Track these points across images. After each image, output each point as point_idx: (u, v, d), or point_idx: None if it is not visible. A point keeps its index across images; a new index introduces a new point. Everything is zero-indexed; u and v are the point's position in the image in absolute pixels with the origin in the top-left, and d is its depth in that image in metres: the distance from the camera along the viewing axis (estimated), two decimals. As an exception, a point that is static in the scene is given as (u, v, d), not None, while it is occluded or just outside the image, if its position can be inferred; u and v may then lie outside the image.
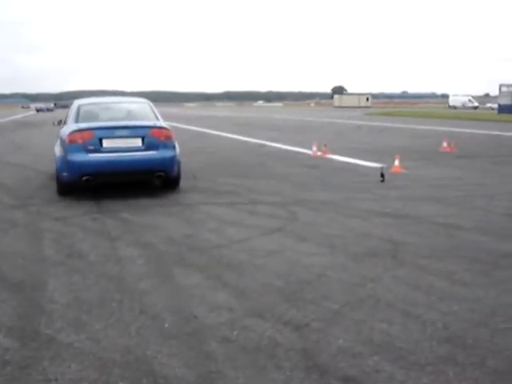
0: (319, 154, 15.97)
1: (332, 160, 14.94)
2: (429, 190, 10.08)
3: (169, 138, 9.58)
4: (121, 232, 7.21)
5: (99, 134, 9.21)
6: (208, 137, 25.37)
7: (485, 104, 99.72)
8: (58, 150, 9.64)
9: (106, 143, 9.19)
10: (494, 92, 72.77)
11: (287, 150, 17.97)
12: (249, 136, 24.29)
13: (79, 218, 8.11)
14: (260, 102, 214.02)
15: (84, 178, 9.16)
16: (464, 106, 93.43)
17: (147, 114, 10.29)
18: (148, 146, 9.33)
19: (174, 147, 9.66)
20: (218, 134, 26.91)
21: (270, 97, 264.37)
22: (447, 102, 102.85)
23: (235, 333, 4.08)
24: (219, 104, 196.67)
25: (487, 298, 4.66)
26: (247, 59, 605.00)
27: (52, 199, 9.53)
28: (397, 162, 12.51)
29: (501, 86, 67.10)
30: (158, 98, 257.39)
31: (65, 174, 9.32)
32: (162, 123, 9.86)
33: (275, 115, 60.01)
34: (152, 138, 9.38)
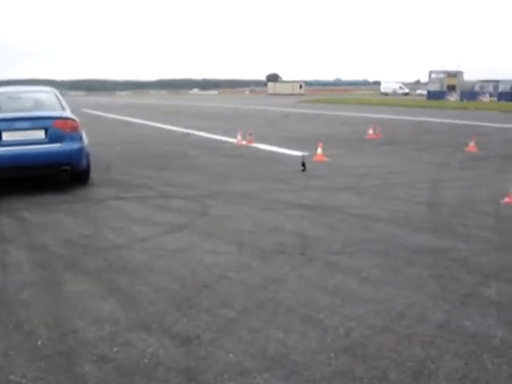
0: (244, 142, 15.60)
1: (256, 149, 14.58)
2: (348, 179, 9.86)
3: (75, 129, 8.95)
4: (15, 233, 6.62)
5: None
6: (134, 126, 24.58)
7: (415, 90, 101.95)
8: None
9: (5, 136, 8.49)
10: (425, 79, 74.32)
11: (212, 140, 17.52)
12: (176, 125, 23.67)
13: (-28, 217, 7.44)
14: (195, 90, 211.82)
15: (-17, 174, 8.46)
16: (395, 93, 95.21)
17: (52, 104, 9.61)
18: (52, 139, 8.69)
19: (80, 139, 9.04)
20: (145, 123, 26.14)
21: (205, 84, 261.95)
22: (379, 89, 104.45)
23: (115, 350, 3.64)
24: (153, 92, 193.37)
25: (396, 298, 4.38)
26: (182, 46, 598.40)
27: None
28: (319, 151, 12.27)
29: (430, 72, 68.62)
30: (90, 86, 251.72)
31: None
32: (67, 113, 9.21)
33: (208, 103, 59.31)
34: (56, 129, 8.73)
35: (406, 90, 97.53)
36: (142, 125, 25.21)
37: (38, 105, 9.68)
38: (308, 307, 4.22)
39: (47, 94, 10.18)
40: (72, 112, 9.90)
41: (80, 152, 8.94)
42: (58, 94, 10.17)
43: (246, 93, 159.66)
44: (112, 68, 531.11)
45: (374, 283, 4.71)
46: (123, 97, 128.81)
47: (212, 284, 4.75)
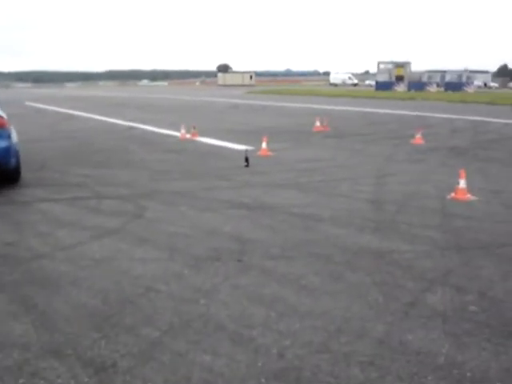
0: (188, 136, 15.15)
1: (200, 143, 14.17)
2: (292, 174, 9.55)
3: (2, 126, 8.37)
4: None
5: None
6: (76, 120, 23.76)
7: (364, 81, 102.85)
8: None
9: None
10: (374, 69, 74.95)
11: (156, 133, 17.00)
12: (120, 118, 22.99)
13: None
14: (145, 81, 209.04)
15: None
16: (344, 84, 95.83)
17: None
18: None
19: (8, 136, 8.46)
20: (88, 116, 25.33)
21: (154, 75, 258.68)
22: (329, 80, 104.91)
23: (21, 381, 3.21)
24: (102, 83, 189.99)
25: (335, 309, 4.07)
26: (131, 36, 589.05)
27: None
28: (264, 145, 11.94)
29: (379, 63, 69.21)
30: (38, 78, 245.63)
31: None
32: (-6, 110, 8.60)
33: (156, 95, 58.35)
34: None
35: (355, 81, 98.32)
36: (85, 118, 24.41)
37: None
38: (240, 323, 3.87)
39: None
40: (1, 108, 9.32)
41: (7, 150, 8.37)
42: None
43: (197, 84, 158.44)
44: (60, 59, 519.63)
45: (313, 292, 4.39)
46: (71, 89, 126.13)
47: (137, 298, 4.34)
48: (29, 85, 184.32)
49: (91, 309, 4.17)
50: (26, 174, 9.65)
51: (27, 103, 42.09)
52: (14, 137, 8.93)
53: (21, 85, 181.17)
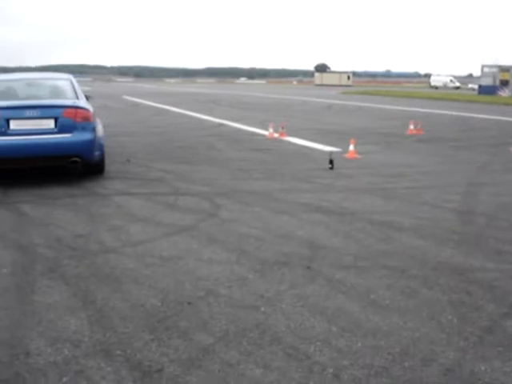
0: (276, 135, 14.98)
1: (287, 143, 13.96)
2: (378, 179, 9.16)
3: (87, 119, 8.51)
4: (7, 229, 6.22)
5: (6, 114, 8.13)
6: (167, 114, 24.21)
7: (467, 84, 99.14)
8: None
9: (13, 125, 8.13)
10: (478, 73, 71.95)
11: (244, 131, 16.95)
12: (211, 115, 23.19)
13: (-28, 209, 7.10)
14: (243, 79, 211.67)
15: (-12, 163, 8.13)
16: (445, 86, 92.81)
17: (66, 93, 9.21)
18: (61, 129, 8.28)
19: (93, 129, 8.60)
20: (181, 112, 25.74)
21: (253, 74, 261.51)
22: (429, 82, 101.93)
23: (64, 380, 3.14)
24: (200, 80, 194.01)
25: (403, 329, 3.75)
26: (230, 35, 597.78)
27: (-43, 185, 8.50)
28: (351, 147, 11.56)
29: (483, 66, 66.37)
30: (139, 72, 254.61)
31: None
32: (80, 103, 8.77)
33: (252, 93, 58.71)
34: (66, 119, 8.32)
35: (457, 84, 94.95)
36: (177, 114, 24.81)
37: (51, 93, 9.30)
38: (298, 337, 3.63)
39: (62, 82, 9.78)
40: (87, 100, 9.54)
41: (91, 143, 8.50)
42: (75, 81, 9.75)
43: (294, 83, 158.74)
44: (162, 55, 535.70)
45: (381, 309, 4.08)
46: (170, 84, 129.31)
47: (197, 301, 4.20)
48: (130, 79, 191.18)
49: (149, 309, 4.07)
50: (110, 166, 9.83)
51: (125, 97, 43.47)
52: (100, 130, 9.08)
53: (122, 79, 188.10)
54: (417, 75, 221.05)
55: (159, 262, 5.06)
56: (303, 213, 6.91)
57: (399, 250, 5.44)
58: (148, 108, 29.11)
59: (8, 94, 9.07)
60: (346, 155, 11.49)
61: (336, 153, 11.59)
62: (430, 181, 9.07)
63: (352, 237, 5.90)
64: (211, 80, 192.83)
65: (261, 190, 8.17)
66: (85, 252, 5.38)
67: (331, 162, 10.03)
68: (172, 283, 4.55)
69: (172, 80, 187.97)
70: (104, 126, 16.34)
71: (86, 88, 72.67)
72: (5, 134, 8.08)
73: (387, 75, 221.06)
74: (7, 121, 8.10)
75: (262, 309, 4.06)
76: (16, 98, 8.94)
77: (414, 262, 5.08)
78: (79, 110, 8.47)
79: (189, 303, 4.15)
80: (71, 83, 9.54)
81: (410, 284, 4.56)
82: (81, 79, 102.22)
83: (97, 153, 8.74)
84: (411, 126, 16.66)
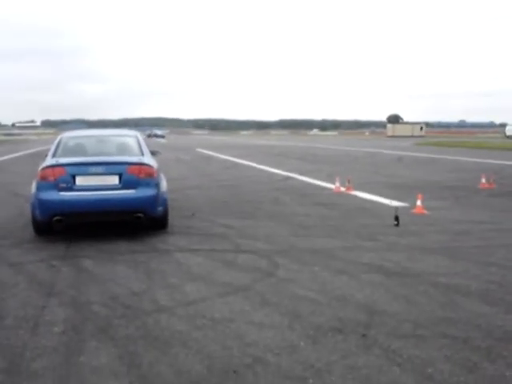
0: (342, 189, 14.79)
1: (353, 198, 13.73)
2: (445, 237, 8.79)
3: (150, 175, 8.66)
4: (66, 285, 6.31)
5: (72, 170, 8.40)
6: (237, 167, 24.46)
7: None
8: (33, 187, 8.86)
9: (79, 181, 8.36)
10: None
11: (311, 185, 16.84)
12: (280, 167, 23.24)
13: (36, 264, 7.30)
14: (315, 131, 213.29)
15: (55, 218, 8.35)
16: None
17: (131, 149, 9.45)
18: (125, 184, 8.45)
19: (156, 185, 8.73)
20: (250, 164, 25.96)
21: (325, 125, 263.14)
22: (504, 132, 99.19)
23: None
24: (274, 132, 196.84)
25: (460, 409, 3.47)
26: (303, 87, 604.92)
27: (26, 239, 8.81)
28: (419, 202, 11.23)
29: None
30: (214, 125, 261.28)
31: (37, 212, 8.54)
32: (144, 159, 8.96)
33: (322, 144, 58.79)
34: (130, 175, 8.49)
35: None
36: (246, 166, 25.03)
37: (117, 149, 9.56)
38: (345, 415, 3.41)
39: (128, 139, 10.06)
40: (153, 156, 9.74)
41: (154, 199, 8.62)
42: (141, 138, 10.01)
43: (366, 134, 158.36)
44: (236, 108, 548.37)
45: (439, 385, 3.80)
46: (243, 136, 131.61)
47: (242, 369, 4.06)
48: (205, 132, 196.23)
49: (194, 376, 3.97)
50: (174, 221, 9.90)
51: (198, 149, 44.39)
52: (163, 185, 9.21)
53: (198, 131, 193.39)
54: (492, 125, 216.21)
55: (210, 325, 4.96)
56: (363, 273, 6.68)
57: (463, 318, 5.12)
58: (219, 161, 29.55)
59: (76, 150, 9.39)
60: (413, 211, 11.17)
61: (403, 208, 11.29)
62: (501, 239, 8.63)
63: (413, 301, 5.62)
64: (284, 132, 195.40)
65: (321, 248, 8.00)
66: (137, 311, 5.36)
67: (397, 218, 9.76)
68: (220, 348, 4.43)
69: (245, 132, 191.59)
70: (174, 179, 16.79)
71: (162, 141, 75.04)
72: (71, 189, 8.32)
73: (461, 125, 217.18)
74: (73, 177, 8.35)
75: (311, 381, 3.87)
76: (84, 154, 9.23)
77: (477, 332, 4.77)
78: (143, 167, 8.63)
79: (234, 372, 4.01)
80: (137, 140, 9.79)
81: (471, 356, 4.26)
82: (158, 132, 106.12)
83: (160, 208, 8.84)
84: (483, 180, 16.09)
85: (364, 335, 4.70)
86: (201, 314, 5.24)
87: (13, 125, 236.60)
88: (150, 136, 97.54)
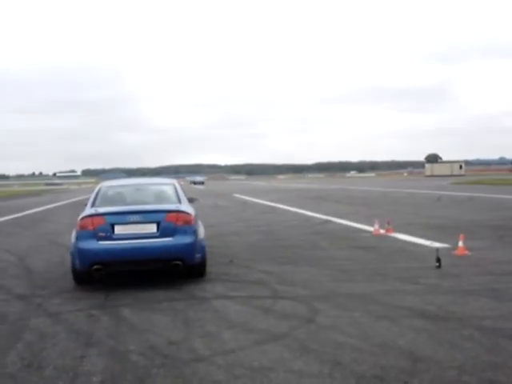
0: (382, 232, 14.61)
1: (393, 240, 13.53)
2: (489, 278, 8.56)
3: (188, 222, 8.70)
4: (105, 335, 6.31)
5: (111, 219, 8.50)
6: (274, 212, 24.43)
7: None
8: (73, 236, 8.99)
9: (117, 229, 8.46)
10: None
11: (349, 228, 16.69)
12: (317, 211, 23.15)
13: (75, 313, 7.35)
14: (352, 173, 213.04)
15: (94, 267, 8.44)
16: None
17: (169, 197, 9.55)
18: (163, 232, 8.50)
19: (194, 232, 8.75)
20: (288, 209, 25.92)
21: (362, 166, 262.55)
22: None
23: None
24: (310, 175, 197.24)
25: None
26: (338, 131, 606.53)
27: (65, 288, 8.89)
28: (461, 243, 11.00)
29: None
30: (251, 170, 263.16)
31: (76, 261, 8.64)
32: (181, 207, 9.02)
33: (360, 187, 58.50)
34: (168, 223, 8.55)
35: None
36: (283, 211, 25.01)
37: (155, 198, 9.66)
38: None
39: (165, 187, 10.17)
40: (191, 203, 9.81)
41: (192, 246, 8.64)
42: (178, 185, 10.11)
43: (405, 174, 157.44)
44: (272, 152, 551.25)
45: None
46: (280, 180, 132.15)
47: (283, 421, 3.94)
48: (242, 177, 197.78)
49: (232, 429, 3.86)
50: (212, 268, 9.89)
51: (235, 195, 44.60)
52: (201, 232, 9.23)
53: (235, 177, 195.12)
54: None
55: (248, 374, 4.88)
56: (405, 318, 6.52)
57: (509, 363, 4.93)
58: (256, 206, 29.60)
59: (115, 199, 9.54)
60: (455, 252, 10.93)
61: (444, 249, 11.07)
62: (547, 280, 8.35)
63: (458, 346, 5.44)
64: (321, 175, 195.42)
65: (361, 293, 7.86)
66: (175, 361, 5.31)
67: (438, 260, 9.56)
68: (259, 399, 4.33)
69: (282, 176, 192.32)
70: (212, 226, 16.86)
71: (201, 187, 75.74)
72: (110, 238, 8.41)
73: (502, 162, 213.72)
74: (112, 226, 8.45)
75: (353, 432, 3.74)
76: (122, 203, 9.36)
77: (527, 379, 4.57)
78: (180, 214, 8.69)
79: (274, 423, 3.90)
80: (174, 188, 9.89)
81: (522, 405, 4.07)
82: (198, 178, 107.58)
83: (198, 255, 8.85)
84: (527, 218, 15.73)
85: (406, 383, 4.55)
86: (239, 363, 5.16)
87: (54, 174, 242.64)
88: (194, 183, 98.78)
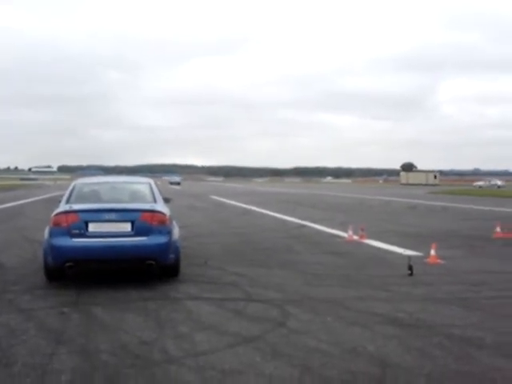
0: (355, 238, 14.72)
1: (366, 246, 13.65)
2: (460, 287, 8.68)
3: (162, 222, 8.67)
4: (76, 333, 6.27)
5: (85, 216, 8.44)
6: (250, 215, 24.46)
7: None
8: (46, 232, 8.91)
9: (91, 227, 8.40)
10: None
11: (324, 233, 16.79)
12: (293, 215, 23.22)
13: (46, 310, 7.28)
14: (329, 178, 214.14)
15: (67, 265, 8.37)
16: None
17: (144, 196, 9.51)
18: (138, 232, 8.46)
19: (168, 233, 8.73)
20: (264, 212, 25.97)
21: (338, 173, 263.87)
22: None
23: None
24: (287, 180, 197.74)
25: None
26: (316, 135, 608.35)
27: (37, 285, 8.79)
28: (433, 252, 11.13)
29: None
30: (228, 172, 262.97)
31: (49, 258, 8.56)
32: (156, 206, 8.99)
33: (335, 192, 58.84)
34: (143, 222, 8.52)
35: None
36: (259, 214, 25.05)
37: (130, 196, 9.62)
38: None
39: (141, 186, 10.13)
40: (166, 203, 9.77)
41: (166, 246, 8.62)
42: (154, 185, 10.07)
43: (380, 182, 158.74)
44: (250, 155, 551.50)
45: None
46: (257, 183, 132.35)
47: (252, 424, 3.96)
48: (219, 179, 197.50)
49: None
50: (187, 269, 9.86)
51: (211, 197, 44.55)
52: (176, 233, 9.21)
53: (212, 178, 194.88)
54: (507, 173, 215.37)
55: (219, 376, 4.89)
56: (376, 324, 6.58)
57: (477, 372, 5.02)
58: (232, 208, 29.60)
59: (89, 196, 9.49)
60: (427, 260, 11.06)
61: (416, 257, 11.18)
62: (516, 291, 8.50)
63: (427, 354, 5.52)
64: (297, 179, 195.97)
65: (333, 298, 7.91)
66: (147, 361, 5.29)
67: (410, 267, 9.66)
68: (229, 401, 4.34)
69: (260, 180, 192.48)
70: (187, 226, 16.83)
71: (177, 187, 75.42)
72: (83, 235, 8.35)
73: (476, 173, 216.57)
74: (86, 223, 8.39)
75: None
76: (97, 200, 9.30)
77: (493, 387, 4.65)
78: (155, 214, 8.66)
79: (243, 426, 3.92)
80: (150, 187, 9.85)
81: (487, 414, 4.14)
82: (176, 178, 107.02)
83: (172, 256, 8.83)
84: (498, 229, 15.97)
85: (376, 389, 4.60)
86: (210, 365, 5.16)
87: (29, 169, 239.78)
88: (172, 184, 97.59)
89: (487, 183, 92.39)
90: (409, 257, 10.21)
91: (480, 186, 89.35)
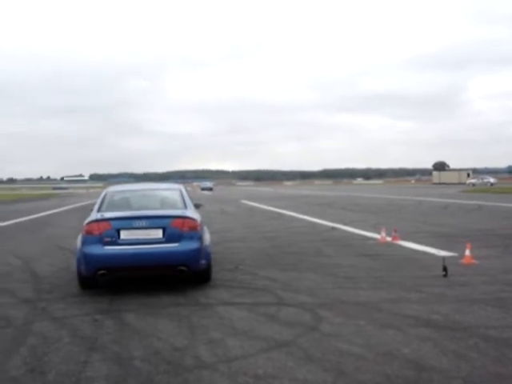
0: (388, 239, 14.56)
1: (399, 248, 13.48)
2: (496, 288, 8.50)
3: (193, 228, 8.69)
4: (109, 340, 6.30)
5: (116, 224, 8.51)
6: (281, 219, 24.37)
7: None
8: (78, 241, 9.00)
9: (123, 235, 8.46)
10: None
11: (355, 235, 16.63)
12: (324, 218, 23.09)
13: (79, 318, 7.36)
14: (359, 180, 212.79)
15: (100, 272, 8.44)
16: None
17: (175, 203, 9.55)
18: (169, 238, 8.49)
19: (199, 238, 8.73)
20: (294, 215, 25.87)
21: (368, 174, 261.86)
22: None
23: None
24: (317, 182, 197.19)
25: None
26: (345, 136, 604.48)
27: (70, 293, 8.89)
28: (467, 252, 10.93)
29: None
30: (258, 176, 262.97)
31: (82, 266, 8.65)
32: (187, 213, 9.01)
33: (366, 194, 58.34)
34: (174, 228, 8.54)
35: None
36: (290, 217, 24.95)
37: (161, 203, 9.68)
38: None
39: (172, 192, 10.17)
40: (197, 209, 9.81)
41: (197, 252, 8.63)
42: (184, 191, 10.10)
43: (412, 182, 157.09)
44: (278, 159, 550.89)
45: None
46: (287, 187, 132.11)
47: (285, 429, 3.92)
48: (250, 183, 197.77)
49: None
50: (218, 274, 9.88)
51: (242, 201, 44.57)
52: (207, 239, 9.22)
53: (243, 183, 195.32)
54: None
55: (252, 382, 4.86)
56: (410, 327, 6.48)
57: (517, 374, 4.88)
58: (263, 212, 29.55)
59: (121, 204, 9.56)
60: (462, 260, 10.87)
61: (451, 258, 11.01)
62: (555, 290, 8.29)
63: (463, 356, 5.40)
64: (328, 182, 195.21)
65: (366, 301, 7.82)
66: (179, 367, 5.29)
67: (445, 268, 9.51)
68: (262, 407, 4.31)
69: (289, 183, 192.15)
70: (217, 232, 16.86)
71: (208, 193, 75.66)
72: (115, 243, 8.41)
73: (510, 171, 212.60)
74: (118, 231, 8.45)
75: None
76: (128, 208, 9.37)
77: (533, 390, 4.52)
78: (186, 220, 8.68)
79: (277, 432, 3.88)
80: (181, 193, 9.89)
81: (527, 417, 4.03)
82: (208, 184, 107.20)
83: (203, 261, 8.84)
84: (535, 227, 15.64)
85: (411, 393, 4.52)
86: (243, 371, 5.14)
87: (62, 178, 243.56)
88: (203, 189, 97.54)
89: (480, 181, 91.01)
90: (443, 257, 10.05)
91: (473, 184, 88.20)
